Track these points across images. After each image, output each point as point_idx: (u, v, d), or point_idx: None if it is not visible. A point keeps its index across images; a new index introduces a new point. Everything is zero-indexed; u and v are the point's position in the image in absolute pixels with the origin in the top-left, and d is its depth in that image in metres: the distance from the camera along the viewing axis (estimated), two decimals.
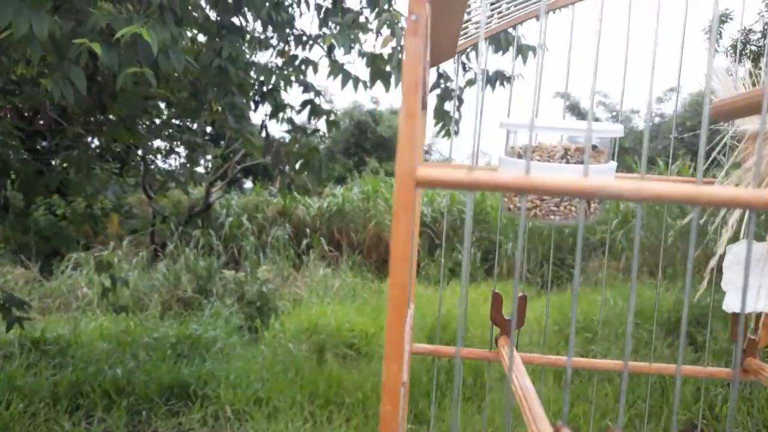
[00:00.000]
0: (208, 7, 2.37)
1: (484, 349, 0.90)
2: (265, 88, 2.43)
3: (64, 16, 1.61)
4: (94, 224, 2.83)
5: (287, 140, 2.90)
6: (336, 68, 2.47)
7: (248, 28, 2.61)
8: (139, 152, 4.12)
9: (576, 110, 11.51)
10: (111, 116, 2.55)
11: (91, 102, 2.32)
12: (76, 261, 6.11)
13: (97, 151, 3.22)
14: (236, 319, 5.19)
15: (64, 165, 2.77)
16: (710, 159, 0.91)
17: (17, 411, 3.52)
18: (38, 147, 3.54)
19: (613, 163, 0.72)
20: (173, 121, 3.57)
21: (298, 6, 2.72)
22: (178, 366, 4.13)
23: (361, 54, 2.45)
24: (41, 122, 3.66)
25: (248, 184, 9.40)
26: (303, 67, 2.72)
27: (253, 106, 2.68)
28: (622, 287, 5.87)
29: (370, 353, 4.55)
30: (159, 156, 4.78)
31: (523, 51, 2.46)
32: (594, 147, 0.70)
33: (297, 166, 2.80)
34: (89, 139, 2.85)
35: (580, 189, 0.35)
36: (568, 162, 0.69)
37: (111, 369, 3.97)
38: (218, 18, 2.33)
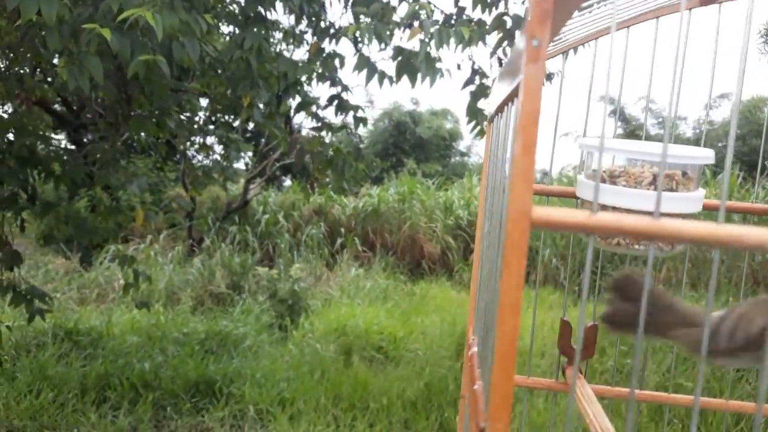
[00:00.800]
0: None
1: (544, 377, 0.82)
2: (288, 82, 2.36)
3: (83, 2, 1.58)
4: (122, 218, 2.82)
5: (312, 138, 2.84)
6: (362, 62, 2.38)
7: (280, 21, 2.57)
8: (181, 147, 4.13)
9: (621, 116, 11.18)
10: (139, 109, 2.54)
11: (117, 94, 2.31)
12: (114, 253, 6.21)
13: (129, 143, 3.23)
14: (267, 316, 5.18)
15: (88, 157, 2.77)
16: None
17: (46, 400, 3.56)
18: (84, 140, 3.58)
19: (702, 191, 0.67)
20: (218, 116, 3.57)
21: None
22: (205, 362, 4.13)
23: (383, 44, 2.34)
24: (88, 115, 3.71)
25: (287, 182, 9.43)
26: (330, 61, 2.64)
27: (276, 101, 2.62)
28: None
29: (398, 357, 4.46)
30: (197, 152, 4.81)
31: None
32: (684, 173, 0.65)
33: (320, 165, 2.74)
34: (120, 132, 2.85)
35: (716, 239, 0.32)
36: (656, 189, 0.64)
37: (139, 363, 3.99)
38: (242, 8, 2.28)
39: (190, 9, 1.56)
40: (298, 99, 2.68)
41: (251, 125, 5.88)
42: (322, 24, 2.68)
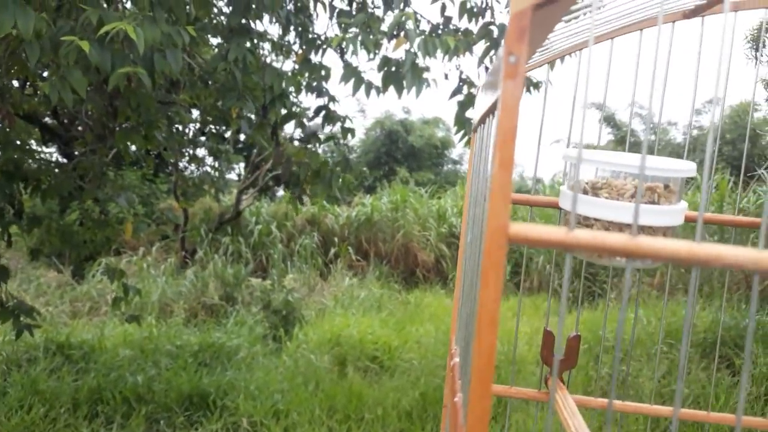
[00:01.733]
0: (225, 8, 2.32)
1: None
2: (274, 94, 2.36)
3: (65, 15, 1.57)
4: (110, 231, 2.80)
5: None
6: (349, 72, 2.38)
7: (267, 32, 2.56)
8: (172, 159, 4.12)
9: (611, 122, 11.22)
10: (126, 122, 2.53)
11: (103, 107, 2.30)
12: (106, 266, 6.18)
13: (119, 156, 3.22)
14: (260, 327, 5.16)
15: (76, 170, 2.76)
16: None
17: (38, 416, 3.53)
18: (75, 153, 3.57)
19: (684, 204, 0.67)
20: (209, 127, 3.56)
21: (315, 8, 2.65)
22: (198, 375, 4.10)
23: (370, 53, 2.35)
24: (79, 128, 3.70)
25: (280, 192, 9.43)
26: (317, 71, 2.64)
27: (262, 112, 2.62)
28: (656, 305, 5.63)
29: (393, 367, 4.44)
30: (189, 163, 4.81)
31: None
32: (666, 186, 0.66)
33: (307, 176, 2.73)
34: (108, 144, 2.84)
35: (695, 257, 0.32)
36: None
37: (132, 376, 3.96)
38: (226, 20, 2.28)
39: (175, 22, 1.55)
40: (284, 111, 2.68)
41: (243, 136, 5.89)
42: (309, 35, 2.68)
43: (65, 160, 3.80)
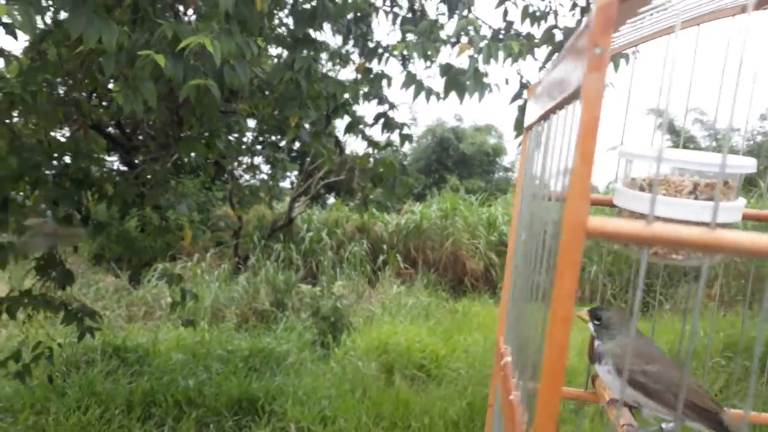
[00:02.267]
0: (285, 19, 2.35)
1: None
2: (337, 102, 2.37)
3: (140, 28, 1.61)
4: (170, 237, 2.87)
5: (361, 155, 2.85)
6: (410, 79, 2.37)
7: (327, 41, 2.59)
8: (229, 167, 4.20)
9: (671, 128, 10.86)
10: (189, 131, 2.59)
11: (168, 116, 2.36)
12: (162, 271, 6.33)
13: (178, 164, 3.29)
14: (309, 334, 5.20)
15: (138, 178, 2.83)
16: None
17: (94, 416, 3.62)
18: (136, 161, 3.68)
19: (742, 200, 0.66)
20: (265, 136, 3.62)
21: (377, 16, 2.66)
22: (248, 379, 4.16)
23: (430, 61, 2.34)
24: (140, 137, 3.81)
25: (331, 199, 9.52)
26: (377, 80, 2.64)
27: (325, 121, 2.64)
28: (713, 316, 5.41)
29: (440, 376, 4.41)
30: (245, 171, 4.89)
31: (614, 58, 2.26)
32: (725, 183, 0.64)
33: (370, 180, 2.74)
34: (171, 153, 2.91)
35: None
36: (696, 198, 0.64)
37: (184, 380, 4.03)
38: (290, 30, 2.30)
39: (246, 33, 1.58)
40: (347, 119, 2.70)
41: (297, 145, 5.97)
42: (370, 43, 2.69)
43: (126, 168, 3.91)
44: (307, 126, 2.82)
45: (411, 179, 2.89)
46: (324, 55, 2.75)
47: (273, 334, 5.22)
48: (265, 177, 4.37)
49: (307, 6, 2.20)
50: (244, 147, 3.59)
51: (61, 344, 3.55)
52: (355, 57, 2.88)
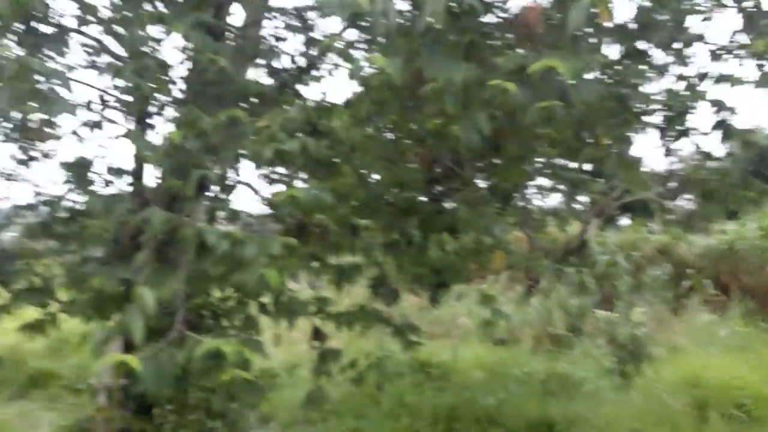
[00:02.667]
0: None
1: None
2: (671, 113, 2.18)
3: (474, 63, 1.70)
4: (481, 259, 2.97)
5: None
6: (765, 79, 2.07)
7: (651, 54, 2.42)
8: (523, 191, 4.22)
9: None
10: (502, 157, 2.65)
11: (486, 145, 2.44)
12: (459, 292, 6.62)
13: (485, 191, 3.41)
14: (606, 361, 4.95)
15: (455, 205, 2.98)
16: None
17: (403, 426, 3.90)
18: (434, 191, 3.95)
19: None
20: (556, 160, 3.56)
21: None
22: (545, 403, 4.11)
23: None
24: (438, 170, 4.07)
25: (624, 220, 8.97)
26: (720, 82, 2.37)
27: (659, 133, 2.45)
28: None
29: (763, 418, 3.87)
30: (539, 194, 4.85)
31: None
32: None
33: (703, 193, 2.46)
34: (478, 181, 3.02)
35: None
36: None
37: (484, 397, 4.13)
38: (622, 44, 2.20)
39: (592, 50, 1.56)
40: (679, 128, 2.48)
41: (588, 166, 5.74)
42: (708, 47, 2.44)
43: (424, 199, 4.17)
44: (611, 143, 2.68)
45: (753, 192, 2.54)
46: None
47: (568, 359, 5.11)
48: (563, 199, 4.29)
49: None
50: (546, 171, 3.58)
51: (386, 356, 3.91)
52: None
